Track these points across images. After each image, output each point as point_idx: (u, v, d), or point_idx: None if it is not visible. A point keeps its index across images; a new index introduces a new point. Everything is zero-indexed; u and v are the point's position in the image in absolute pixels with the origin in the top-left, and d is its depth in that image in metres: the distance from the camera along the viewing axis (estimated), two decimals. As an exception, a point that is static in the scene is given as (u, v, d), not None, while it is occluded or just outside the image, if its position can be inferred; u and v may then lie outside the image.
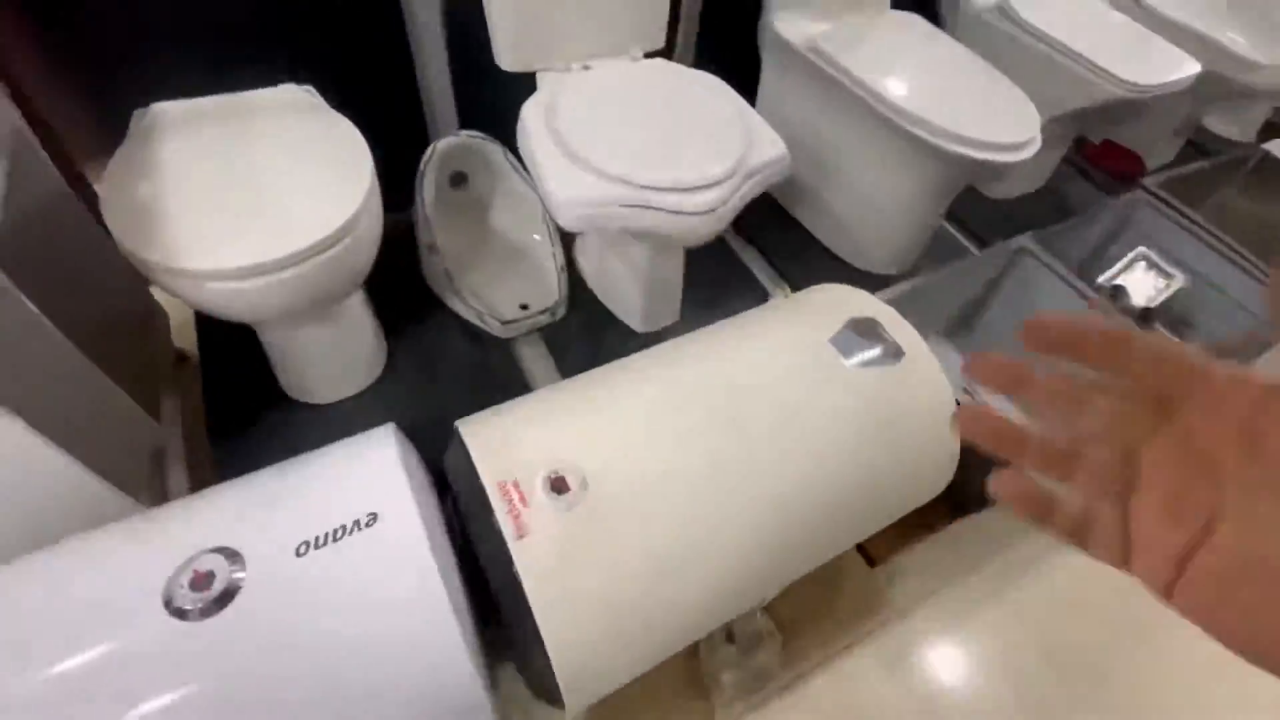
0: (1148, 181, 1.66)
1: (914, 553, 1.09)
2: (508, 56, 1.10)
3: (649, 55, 1.20)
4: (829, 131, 1.38)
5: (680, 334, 0.88)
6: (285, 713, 0.54)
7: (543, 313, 1.25)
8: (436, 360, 1.22)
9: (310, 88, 1.00)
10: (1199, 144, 2.00)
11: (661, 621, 0.69)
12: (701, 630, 0.76)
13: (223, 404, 1.10)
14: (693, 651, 0.94)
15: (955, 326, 1.44)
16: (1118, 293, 1.22)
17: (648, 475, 0.70)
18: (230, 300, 0.80)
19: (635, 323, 1.28)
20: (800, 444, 0.75)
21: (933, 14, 1.59)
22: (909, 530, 1.07)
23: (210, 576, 0.56)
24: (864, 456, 0.77)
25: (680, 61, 1.49)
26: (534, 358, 1.24)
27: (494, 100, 1.16)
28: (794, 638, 0.98)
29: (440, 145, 1.21)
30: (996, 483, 0.23)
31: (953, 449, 0.84)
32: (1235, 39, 1.54)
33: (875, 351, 0.81)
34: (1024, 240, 1.28)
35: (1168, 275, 1.22)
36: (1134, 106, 1.36)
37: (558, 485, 0.65)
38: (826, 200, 1.48)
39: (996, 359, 0.24)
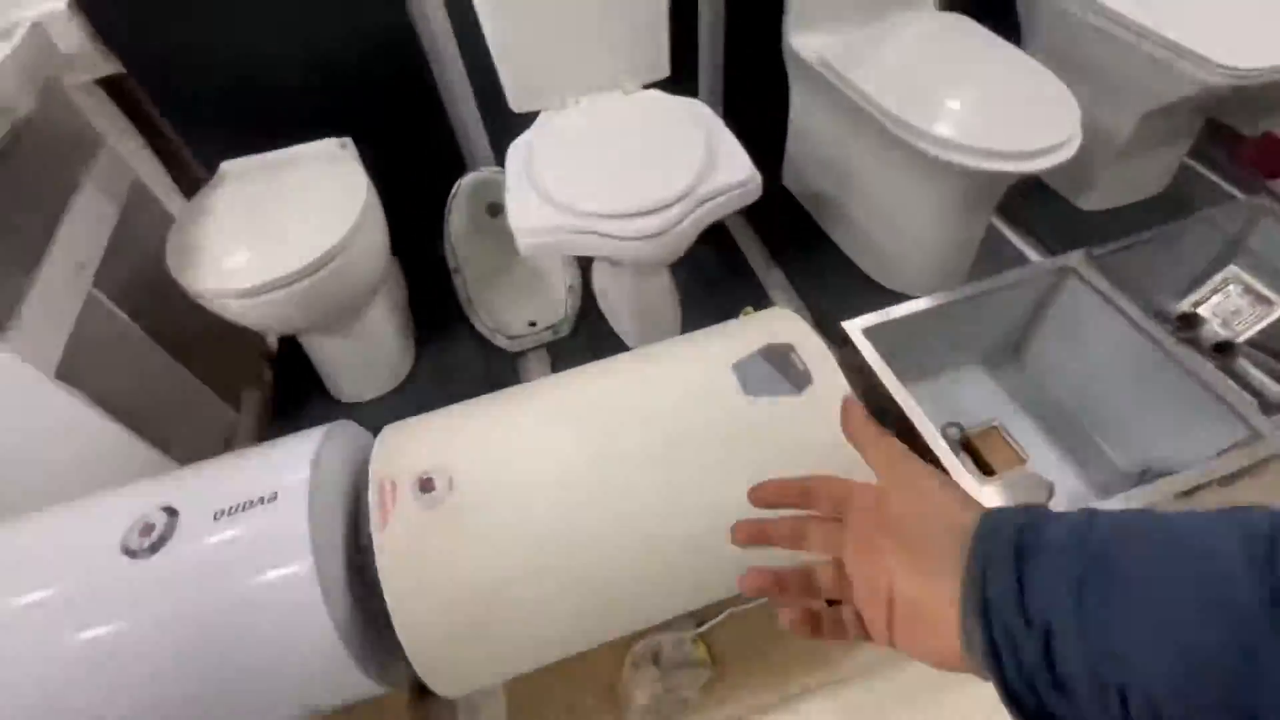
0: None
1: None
2: (515, 100, 1.22)
3: (664, 83, 1.23)
4: (852, 147, 1.31)
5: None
6: (184, 643, 0.68)
7: (547, 329, 1.34)
8: (454, 369, 1.37)
9: (347, 139, 1.21)
10: None
11: (522, 623, 0.74)
12: (578, 644, 0.79)
13: (284, 399, 1.35)
14: (621, 663, 0.96)
15: (1001, 354, 1.27)
16: (1190, 321, 1.00)
17: (515, 484, 0.75)
18: (252, 312, 1.01)
19: (631, 341, 1.32)
20: (678, 471, 0.75)
21: (1009, 15, 1.43)
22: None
23: (152, 528, 0.72)
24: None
25: (705, 88, 1.52)
26: (536, 371, 1.34)
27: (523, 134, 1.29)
28: (729, 676, 0.95)
29: (465, 181, 1.37)
30: (783, 618, 0.31)
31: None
32: None
33: (777, 380, 0.78)
34: (1071, 258, 1.10)
35: (1267, 301, 0.97)
36: (1255, 94, 1.11)
37: (425, 485, 0.73)
38: (856, 219, 1.40)
39: (748, 524, 0.34)
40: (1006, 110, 1.07)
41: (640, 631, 0.94)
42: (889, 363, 1.02)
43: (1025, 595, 0.21)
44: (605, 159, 1.04)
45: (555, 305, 1.37)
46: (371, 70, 1.26)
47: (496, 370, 1.35)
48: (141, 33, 1.08)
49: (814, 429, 0.76)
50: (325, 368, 1.27)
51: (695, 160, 1.01)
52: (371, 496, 0.74)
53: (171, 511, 0.73)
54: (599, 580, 0.74)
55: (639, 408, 0.79)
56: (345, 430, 0.91)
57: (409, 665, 0.71)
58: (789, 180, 1.63)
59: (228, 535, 0.71)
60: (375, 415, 1.30)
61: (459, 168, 1.48)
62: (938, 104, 1.08)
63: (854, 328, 1.05)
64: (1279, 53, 1.06)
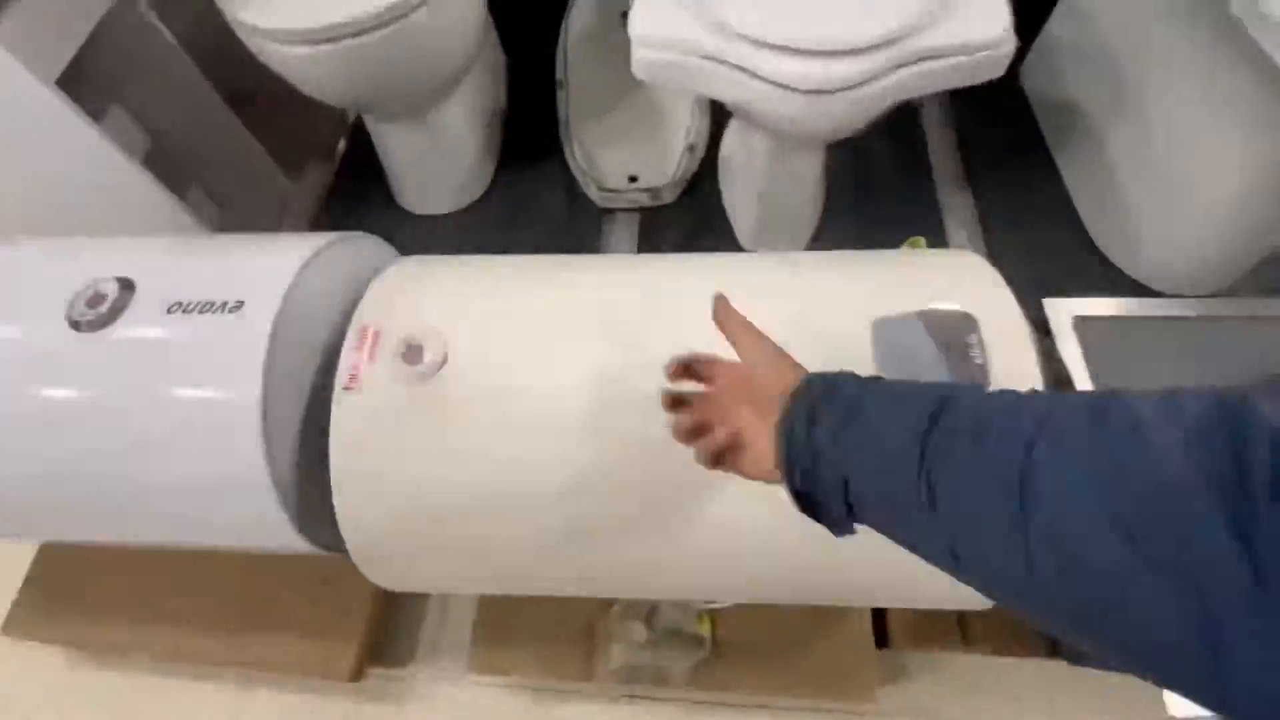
0: None
1: (943, 660, 0.77)
2: None
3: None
4: (1156, 34, 0.86)
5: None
6: (114, 432, 0.57)
7: (646, 190, 1.08)
8: (531, 205, 1.15)
9: None
10: None
11: (482, 552, 0.58)
12: (544, 590, 0.63)
13: (346, 183, 1.20)
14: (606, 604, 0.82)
15: None
16: None
17: (518, 391, 0.55)
18: (305, 68, 0.81)
19: (743, 235, 1.03)
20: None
21: None
22: (948, 631, 0.75)
23: (102, 299, 0.59)
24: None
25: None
26: (620, 238, 1.10)
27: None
28: (723, 665, 0.78)
29: (600, -34, 1.05)
30: (676, 426, 0.38)
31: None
32: None
33: (932, 364, 0.50)
34: None
35: None
36: None
37: (412, 354, 0.55)
38: (1112, 157, 0.97)
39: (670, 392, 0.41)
40: None
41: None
42: (1094, 369, 0.70)
43: (811, 430, 0.31)
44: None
45: (665, 161, 1.09)
46: None
47: (578, 220, 1.12)
48: None
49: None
50: (389, 162, 1.09)
51: (925, -10, 0.65)
52: (348, 341, 0.57)
53: (127, 285, 0.60)
54: (584, 536, 0.56)
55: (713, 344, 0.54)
56: (363, 244, 0.73)
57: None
58: (1031, 76, 1.17)
59: (176, 333, 0.58)
60: (428, 233, 1.14)
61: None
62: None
63: (1061, 311, 0.72)
64: None
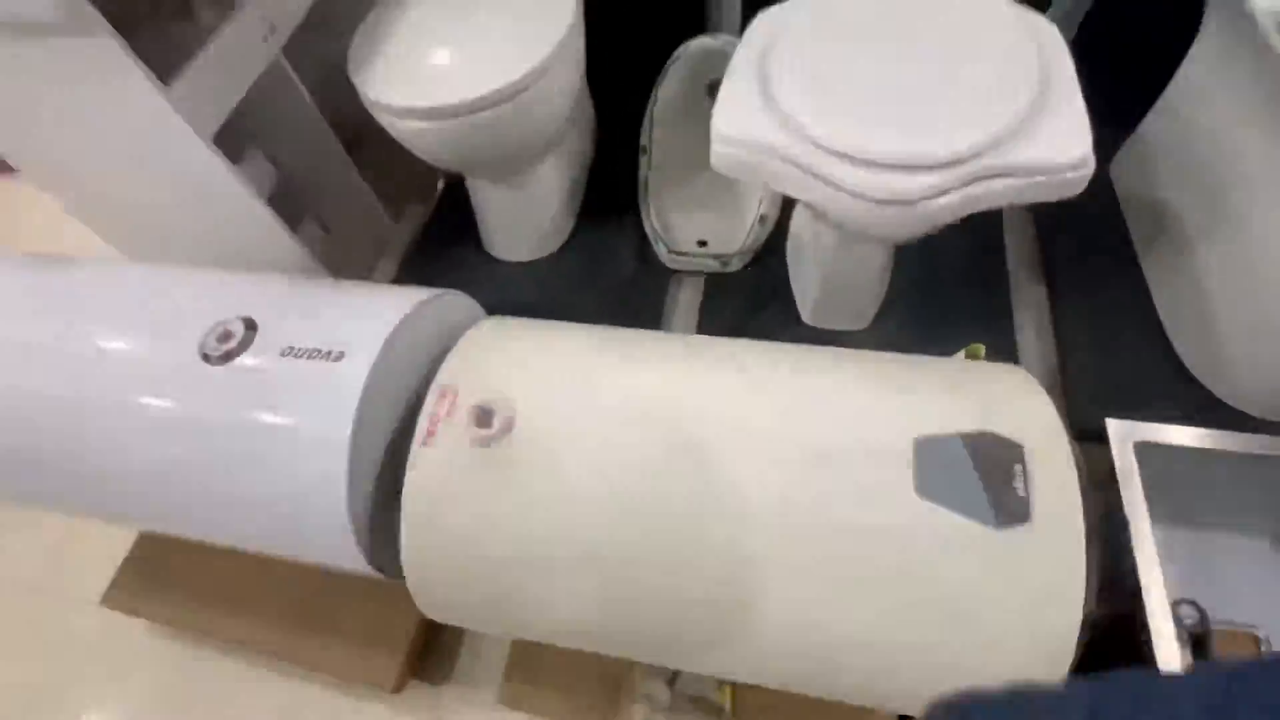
0: None
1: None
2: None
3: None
4: (1255, 144, 0.84)
5: (861, 344, 0.71)
6: (221, 451, 0.66)
7: (715, 257, 1.12)
8: (605, 259, 1.21)
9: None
10: None
11: (532, 606, 0.62)
12: (586, 646, 0.67)
13: (438, 225, 1.30)
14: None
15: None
16: None
17: (580, 461, 0.60)
18: (417, 139, 0.90)
19: (805, 310, 1.05)
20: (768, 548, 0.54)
21: None
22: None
23: (229, 337, 0.69)
24: (889, 618, 0.52)
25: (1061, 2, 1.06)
26: (685, 300, 1.14)
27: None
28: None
29: (692, 46, 1.11)
30: None
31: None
32: None
33: (971, 490, 0.52)
34: None
35: None
36: None
37: (483, 418, 0.61)
38: (1203, 261, 0.94)
39: None
40: None
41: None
42: (1150, 498, 0.68)
43: None
44: (873, 68, 0.73)
45: (735, 231, 1.13)
46: None
47: (646, 278, 1.17)
48: None
49: (997, 590, 0.50)
50: (482, 213, 1.18)
51: (1008, 108, 0.67)
52: (429, 397, 0.64)
53: (250, 325, 0.69)
54: (629, 606, 0.59)
55: (764, 432, 0.57)
56: (453, 301, 0.81)
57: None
58: (1122, 172, 1.14)
59: (286, 374, 0.66)
60: (507, 279, 1.21)
61: (696, 25, 1.21)
62: None
63: (1123, 434, 0.71)
64: None
